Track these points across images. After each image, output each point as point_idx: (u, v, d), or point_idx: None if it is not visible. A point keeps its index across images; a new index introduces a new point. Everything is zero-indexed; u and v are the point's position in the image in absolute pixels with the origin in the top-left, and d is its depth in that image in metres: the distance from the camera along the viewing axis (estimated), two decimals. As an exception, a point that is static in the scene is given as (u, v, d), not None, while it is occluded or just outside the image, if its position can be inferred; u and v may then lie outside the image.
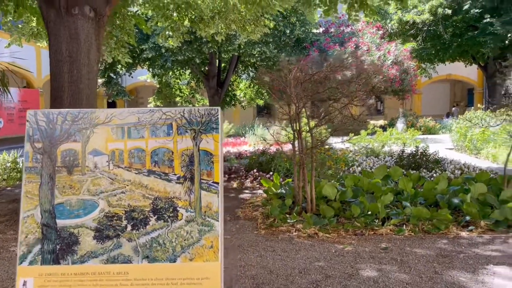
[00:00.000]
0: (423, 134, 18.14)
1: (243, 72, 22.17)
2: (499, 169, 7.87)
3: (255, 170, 7.86)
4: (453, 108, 28.42)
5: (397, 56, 19.18)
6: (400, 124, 16.54)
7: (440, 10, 18.16)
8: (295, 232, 4.59)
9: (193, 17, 10.36)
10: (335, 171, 7.80)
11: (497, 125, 6.16)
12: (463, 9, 18.29)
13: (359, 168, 7.99)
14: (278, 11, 18.96)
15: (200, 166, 1.99)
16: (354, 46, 19.35)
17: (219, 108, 2.11)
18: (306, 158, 5.29)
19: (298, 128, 5.36)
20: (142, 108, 2.15)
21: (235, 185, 7.38)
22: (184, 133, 2.02)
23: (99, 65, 7.84)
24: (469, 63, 22.54)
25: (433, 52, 20.18)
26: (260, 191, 6.83)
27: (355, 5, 8.56)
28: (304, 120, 5.61)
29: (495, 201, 5.11)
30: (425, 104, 30.58)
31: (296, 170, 5.47)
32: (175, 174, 1.99)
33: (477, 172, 7.48)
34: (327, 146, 12.57)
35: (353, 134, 11.90)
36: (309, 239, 4.39)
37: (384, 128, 14.76)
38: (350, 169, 8.05)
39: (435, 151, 8.37)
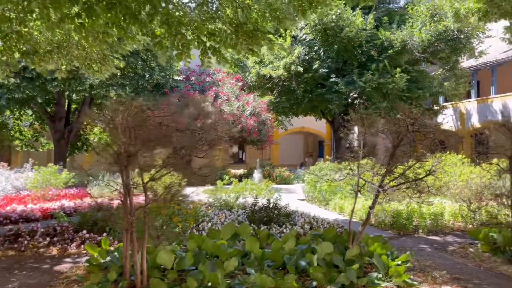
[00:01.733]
0: (278, 184, 18.62)
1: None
2: (346, 222, 7.96)
3: (84, 231, 6.51)
4: (306, 159, 30.44)
5: (255, 108, 19.75)
6: (257, 174, 16.64)
7: (293, 67, 19.41)
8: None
9: (24, 49, 8.80)
10: (183, 229, 6.95)
11: (342, 179, 6.11)
12: (313, 68, 19.87)
13: (209, 224, 7.27)
14: (136, 53, 18.10)
15: None
16: (214, 95, 19.36)
17: None
18: (134, 220, 4.32)
19: (126, 182, 4.42)
20: None
21: (55, 251, 5.95)
22: None
23: None
24: (319, 117, 24.48)
25: (288, 105, 21.38)
26: (87, 258, 5.54)
27: (208, 51, 8.18)
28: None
29: (341, 261, 4.82)
30: (282, 154, 32.25)
31: (124, 235, 4.46)
32: None
33: (325, 226, 7.39)
34: (181, 198, 11.66)
35: (209, 184, 11.34)
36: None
37: (240, 178, 14.56)
38: (200, 225, 7.28)
39: (286, 204, 8.15)
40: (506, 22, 9.83)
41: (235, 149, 30.72)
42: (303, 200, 12.12)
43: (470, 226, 7.84)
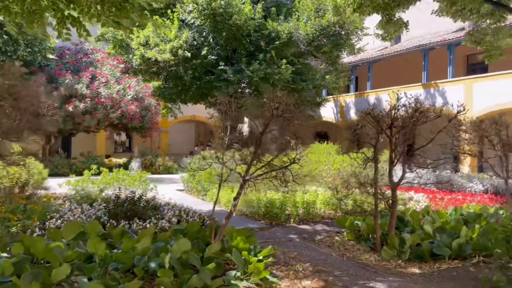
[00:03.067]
0: (161, 174, 17.70)
1: None
2: (221, 213, 7.53)
3: None
4: (196, 148, 29.78)
5: (138, 92, 18.43)
6: (135, 163, 15.51)
7: (180, 51, 18.50)
8: None
9: None
10: (23, 228, 5.84)
11: (206, 168, 5.59)
12: (202, 54, 19.19)
13: (59, 222, 6.24)
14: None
15: None
16: (90, 77, 17.57)
17: None
18: None
19: None
20: None
21: None
22: None
23: None
24: (209, 105, 23.93)
25: (175, 92, 20.39)
26: None
27: (66, 21, 7.01)
28: None
29: (198, 260, 4.31)
30: (173, 143, 31.09)
31: None
32: None
33: (195, 219, 6.86)
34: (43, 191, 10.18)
35: (74, 175, 10.06)
36: None
37: (119, 167, 13.35)
38: (48, 223, 6.20)
39: (154, 195, 7.43)
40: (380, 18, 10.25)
41: (124, 136, 28.67)
42: (182, 190, 11.49)
43: (339, 214, 7.97)
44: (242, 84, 20.23)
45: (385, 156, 11.62)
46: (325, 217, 8.02)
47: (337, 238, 6.42)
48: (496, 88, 17.15)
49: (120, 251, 4.58)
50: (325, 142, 14.84)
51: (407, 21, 10.06)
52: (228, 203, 8.80)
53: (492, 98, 17.00)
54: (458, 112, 5.59)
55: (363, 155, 6.41)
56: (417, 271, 4.85)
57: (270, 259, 4.58)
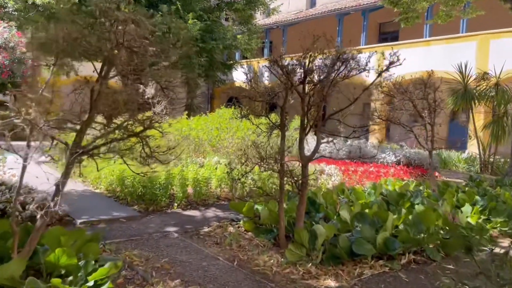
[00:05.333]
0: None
1: None
2: (88, 193, 5.55)
3: None
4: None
5: (7, 41, 15.01)
6: None
7: (64, -6, 15.31)
8: None
9: None
10: None
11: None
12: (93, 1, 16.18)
13: None
14: None
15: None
16: None
17: None
18: None
19: None
20: None
21: None
22: None
23: None
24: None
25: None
26: None
27: None
28: None
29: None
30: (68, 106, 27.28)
31: None
32: None
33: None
34: None
35: None
36: None
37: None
38: None
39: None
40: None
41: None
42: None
43: (239, 194, 6.40)
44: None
45: (295, 123, 10.26)
46: (222, 197, 6.42)
47: (231, 229, 4.84)
48: (406, 56, 16.77)
49: None
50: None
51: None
52: (98, 179, 6.80)
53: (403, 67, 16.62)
54: (391, 63, 4.18)
55: (267, 120, 4.85)
56: (333, 284, 3.44)
57: (108, 284, 2.81)
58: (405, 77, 15.50)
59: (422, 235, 4.25)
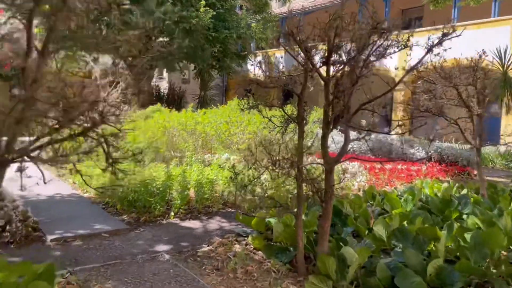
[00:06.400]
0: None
1: None
2: (75, 198, 4.70)
3: None
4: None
5: None
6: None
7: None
8: None
9: None
10: None
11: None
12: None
13: None
14: None
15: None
16: None
17: None
18: None
19: None
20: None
21: None
22: None
23: None
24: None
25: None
26: None
27: None
28: None
29: None
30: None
31: None
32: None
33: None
34: None
35: None
36: None
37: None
38: None
39: None
40: None
41: None
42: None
43: (247, 206, 5.44)
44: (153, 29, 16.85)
45: (314, 115, 9.19)
46: (229, 203, 5.48)
47: (236, 246, 3.92)
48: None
49: None
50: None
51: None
52: (89, 181, 5.93)
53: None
54: (444, 35, 3.16)
55: (281, 112, 3.90)
56: None
57: None
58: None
59: (487, 262, 3.24)
